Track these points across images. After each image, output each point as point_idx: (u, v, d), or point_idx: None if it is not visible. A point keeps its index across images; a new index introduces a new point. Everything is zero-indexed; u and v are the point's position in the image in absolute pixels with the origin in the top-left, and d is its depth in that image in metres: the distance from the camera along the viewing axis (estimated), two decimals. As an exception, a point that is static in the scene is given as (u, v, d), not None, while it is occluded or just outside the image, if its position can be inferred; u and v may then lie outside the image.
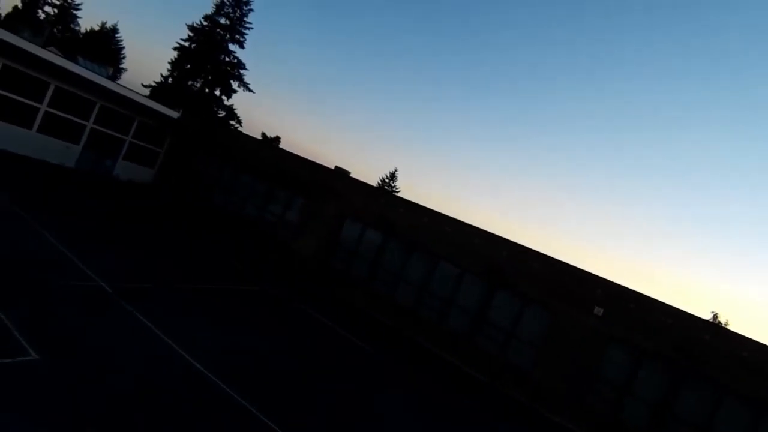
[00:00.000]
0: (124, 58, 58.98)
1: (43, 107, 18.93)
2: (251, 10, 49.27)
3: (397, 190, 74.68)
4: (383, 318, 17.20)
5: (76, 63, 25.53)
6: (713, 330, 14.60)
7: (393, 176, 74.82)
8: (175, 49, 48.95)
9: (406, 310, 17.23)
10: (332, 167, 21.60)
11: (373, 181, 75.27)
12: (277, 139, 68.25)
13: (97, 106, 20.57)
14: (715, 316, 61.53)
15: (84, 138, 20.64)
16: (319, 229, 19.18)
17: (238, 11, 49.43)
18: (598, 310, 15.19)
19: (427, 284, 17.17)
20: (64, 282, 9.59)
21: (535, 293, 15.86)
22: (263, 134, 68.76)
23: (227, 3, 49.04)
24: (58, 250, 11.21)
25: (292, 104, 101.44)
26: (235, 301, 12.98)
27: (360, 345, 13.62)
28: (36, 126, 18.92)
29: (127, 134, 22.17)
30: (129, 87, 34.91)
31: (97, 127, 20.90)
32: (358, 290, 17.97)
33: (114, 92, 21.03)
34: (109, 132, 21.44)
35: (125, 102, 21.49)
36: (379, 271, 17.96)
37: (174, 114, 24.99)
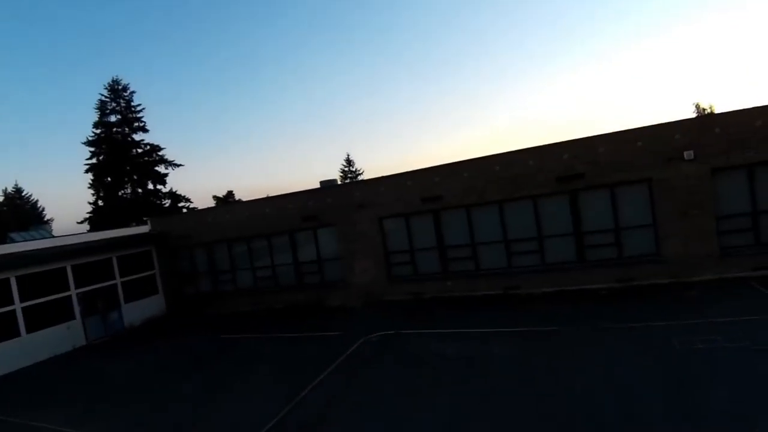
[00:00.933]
0: (43, 209, 54.46)
1: (18, 305, 16.20)
2: (134, 92, 45.39)
3: (360, 173, 72.47)
4: (490, 291, 15.63)
5: (13, 241, 22.50)
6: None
7: (350, 162, 72.45)
8: (87, 171, 44.97)
9: (501, 270, 15.68)
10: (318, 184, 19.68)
11: (335, 174, 72.80)
12: (230, 194, 64.89)
13: (69, 268, 17.84)
14: (697, 106, 62.08)
15: (77, 308, 17.94)
16: (364, 249, 17.26)
17: (122, 101, 45.53)
18: (688, 154, 13.92)
19: (506, 233, 15.58)
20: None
21: (616, 176, 14.46)
22: (214, 197, 65.24)
23: (107, 98, 45.02)
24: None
25: (213, 141, 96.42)
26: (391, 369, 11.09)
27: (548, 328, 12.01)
28: (23, 329, 16.21)
29: (113, 277, 19.51)
30: (71, 233, 31.65)
31: (82, 289, 18.19)
32: (447, 281, 16.27)
33: (75, 245, 18.33)
34: (96, 287, 18.75)
35: (91, 248, 18.78)
36: (452, 251, 16.25)
37: (143, 229, 22.36)
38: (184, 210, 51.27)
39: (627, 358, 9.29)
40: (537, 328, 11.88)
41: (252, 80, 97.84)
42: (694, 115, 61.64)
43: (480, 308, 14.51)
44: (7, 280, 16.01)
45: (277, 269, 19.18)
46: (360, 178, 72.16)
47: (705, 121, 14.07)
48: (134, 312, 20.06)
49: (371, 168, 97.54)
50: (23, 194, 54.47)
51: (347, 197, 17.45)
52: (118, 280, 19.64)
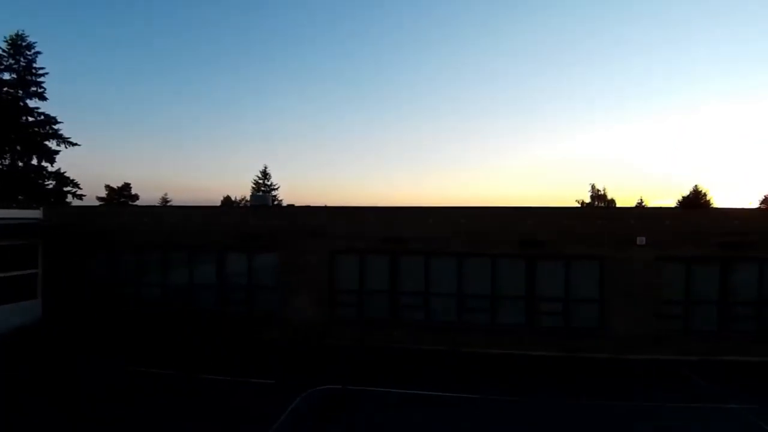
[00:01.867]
0: None
1: None
2: (39, 52, 39.31)
3: (275, 188, 69.79)
4: (438, 346, 14.85)
5: None
6: (745, 215, 14.74)
7: (265, 175, 69.33)
8: (-42, 130, 37.56)
9: (451, 325, 15.06)
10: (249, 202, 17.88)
11: (246, 186, 69.35)
12: (126, 186, 58.28)
13: None
14: (593, 187, 69.22)
15: None
16: (307, 282, 15.69)
17: (22, 60, 39.17)
18: (641, 240, 14.67)
19: (461, 288, 15.08)
20: None
21: (574, 249, 14.77)
22: (107, 186, 58.17)
23: (4, 53, 38.46)
24: None
25: (126, 134, 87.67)
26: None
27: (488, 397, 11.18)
28: None
29: (-19, 271, 15.65)
30: None
31: (-64, 282, 14.27)
32: (394, 330, 15.21)
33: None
34: (-45, 280, 14.85)
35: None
36: (404, 298, 15.34)
37: (31, 214, 18.51)
38: (70, 195, 44.88)
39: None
40: (503, 398, 11.22)
41: (164, 71, 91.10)
42: (590, 196, 68.54)
43: (431, 365, 13.60)
44: None
45: (197, 290, 16.70)
46: (275, 193, 69.17)
47: (658, 212, 14.99)
48: (1, 317, 16.18)
49: (288, 184, 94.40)
50: None
51: (299, 222, 15.85)
52: (-12, 276, 15.80)
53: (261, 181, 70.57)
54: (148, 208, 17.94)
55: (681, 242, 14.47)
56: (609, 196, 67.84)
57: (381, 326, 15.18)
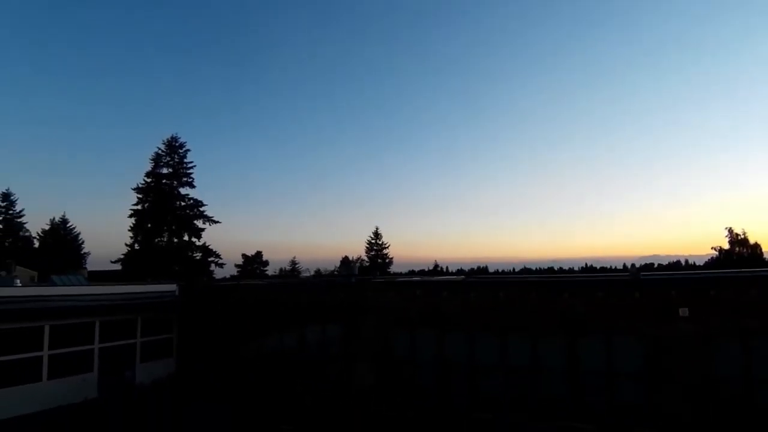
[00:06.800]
0: (82, 243, 57.82)
1: (46, 352, 17.62)
2: (188, 150, 49.54)
3: (386, 246, 73.91)
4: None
5: (53, 284, 24.46)
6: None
7: (377, 235, 74.03)
8: (130, 215, 48.27)
9: (499, 400, 16.19)
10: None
11: (361, 245, 74.69)
12: (258, 254, 67.01)
13: (97, 325, 19.36)
14: (730, 231, 61.35)
15: (96, 362, 19.21)
16: (367, 351, 18.07)
17: (176, 156, 49.55)
18: (683, 311, 14.57)
19: (504, 363, 16.24)
20: None
21: (615, 324, 15.17)
22: (243, 255, 67.45)
23: (163, 152, 49.06)
24: None
25: (255, 203, 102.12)
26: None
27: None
28: (45, 375, 17.51)
29: (134, 336, 20.86)
30: (101, 269, 33.66)
31: (105, 345, 19.56)
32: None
33: (109, 306, 19.94)
34: (117, 344, 20.10)
35: (123, 309, 20.36)
36: (452, 376, 16.93)
37: (170, 287, 23.98)
38: (213, 265, 53.37)
39: None
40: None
41: (285, 154, 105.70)
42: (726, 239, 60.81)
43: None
44: (42, 329, 17.56)
45: (288, 354, 19.98)
46: (386, 251, 73.71)
47: (701, 280, 14.80)
48: (146, 372, 20.94)
49: (398, 241, 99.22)
50: (68, 225, 57.95)
51: (354, 291, 18.65)
52: (138, 341, 20.95)
53: (373, 241, 75.59)
54: (254, 285, 22.11)
55: (733, 314, 14.06)
56: (752, 240, 59.75)
57: (433, 395, 16.84)
